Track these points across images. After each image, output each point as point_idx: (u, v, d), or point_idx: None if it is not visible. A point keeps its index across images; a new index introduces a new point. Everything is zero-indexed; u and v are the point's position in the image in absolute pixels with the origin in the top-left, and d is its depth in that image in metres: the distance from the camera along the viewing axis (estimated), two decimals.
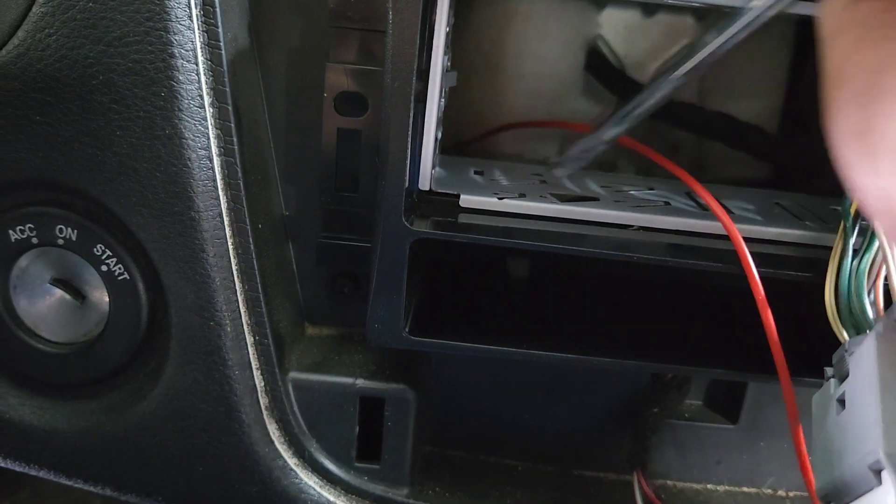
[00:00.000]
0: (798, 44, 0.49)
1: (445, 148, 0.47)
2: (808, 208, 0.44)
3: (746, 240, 0.38)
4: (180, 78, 0.36)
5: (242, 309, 0.40)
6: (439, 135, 0.41)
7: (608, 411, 0.49)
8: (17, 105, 0.37)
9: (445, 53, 0.38)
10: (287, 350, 0.43)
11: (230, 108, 0.37)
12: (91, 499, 0.77)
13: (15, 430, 0.43)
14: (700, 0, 0.40)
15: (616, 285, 0.46)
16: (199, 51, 0.36)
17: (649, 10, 0.50)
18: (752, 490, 0.49)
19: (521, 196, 0.41)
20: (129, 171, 0.37)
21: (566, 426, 0.49)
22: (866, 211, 0.30)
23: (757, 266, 0.37)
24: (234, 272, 0.39)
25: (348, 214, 0.42)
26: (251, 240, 0.39)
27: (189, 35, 0.36)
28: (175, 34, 0.36)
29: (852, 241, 0.36)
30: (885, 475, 0.28)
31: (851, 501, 0.31)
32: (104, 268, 0.40)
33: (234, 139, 0.38)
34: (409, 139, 0.36)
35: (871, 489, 0.29)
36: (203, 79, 0.37)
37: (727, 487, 0.49)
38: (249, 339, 0.41)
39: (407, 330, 0.40)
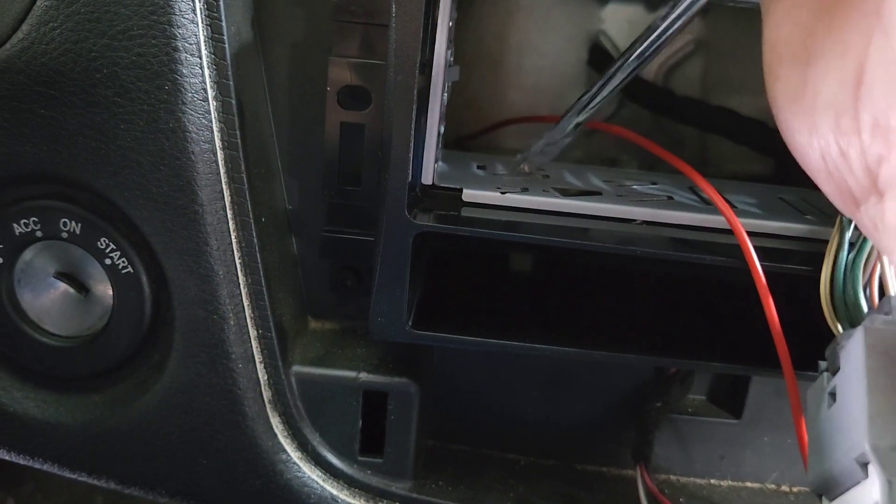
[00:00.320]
0: None
1: (447, 142, 0.47)
2: (810, 202, 0.44)
3: (749, 234, 0.38)
4: (184, 71, 0.36)
5: (246, 302, 0.40)
6: (442, 129, 0.41)
7: (611, 406, 0.49)
8: (22, 99, 0.37)
9: (448, 48, 0.38)
10: (290, 343, 0.43)
11: (233, 101, 0.38)
12: (94, 493, 0.77)
13: (19, 423, 0.43)
14: None
15: (619, 279, 0.46)
16: (202, 44, 0.36)
17: (651, 5, 0.50)
18: (756, 485, 0.49)
19: (524, 190, 0.41)
20: (132, 165, 0.37)
21: (569, 420, 0.49)
22: (811, 175, 0.31)
23: (760, 260, 0.37)
24: (238, 265, 0.40)
25: (351, 208, 0.42)
26: (254, 233, 0.39)
27: (193, 29, 0.36)
28: (179, 28, 0.36)
29: (848, 235, 0.36)
30: (871, 468, 0.29)
31: (840, 495, 0.31)
32: (108, 261, 0.40)
33: (238, 133, 0.38)
34: (412, 133, 0.36)
35: (858, 482, 0.30)
36: (206, 72, 0.37)
37: (730, 482, 0.49)
38: (253, 333, 0.41)
39: (410, 324, 0.40)
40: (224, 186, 0.38)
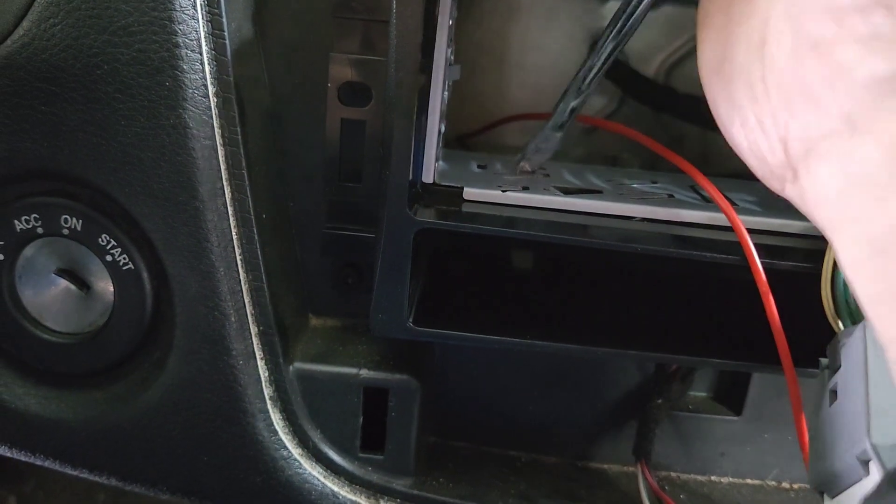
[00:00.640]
0: None
1: (448, 140, 0.47)
2: None
3: (750, 231, 0.38)
4: (184, 67, 0.36)
5: (246, 299, 0.40)
6: (443, 128, 0.41)
7: (612, 403, 0.49)
8: (22, 95, 0.37)
9: (448, 46, 0.38)
10: (291, 340, 0.43)
11: (234, 98, 0.38)
12: (96, 491, 0.77)
13: (20, 419, 0.43)
14: None
15: (620, 277, 0.46)
16: (203, 40, 0.36)
17: (654, 3, 0.50)
18: (756, 482, 0.49)
19: (525, 189, 0.41)
20: (133, 161, 0.37)
21: (570, 417, 0.49)
22: (740, 155, 0.30)
23: (760, 257, 0.37)
24: (238, 262, 0.40)
25: (352, 205, 0.42)
26: (255, 230, 0.39)
27: (193, 25, 0.36)
28: (179, 24, 0.36)
29: None
30: (872, 466, 0.29)
31: (842, 492, 0.31)
32: (109, 258, 0.40)
33: (238, 129, 0.38)
34: (413, 129, 0.36)
35: (859, 479, 0.30)
36: (207, 68, 0.37)
37: (731, 479, 0.49)
38: (253, 330, 0.41)
39: (411, 320, 0.40)
40: (225, 183, 0.38)
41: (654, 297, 0.46)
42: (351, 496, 0.44)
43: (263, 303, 0.40)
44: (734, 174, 0.51)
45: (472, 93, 0.50)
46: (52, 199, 0.39)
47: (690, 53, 0.51)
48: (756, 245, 0.37)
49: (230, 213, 0.39)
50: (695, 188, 0.45)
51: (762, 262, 0.37)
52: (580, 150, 0.53)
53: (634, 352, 0.41)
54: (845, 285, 0.35)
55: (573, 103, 0.40)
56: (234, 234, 0.39)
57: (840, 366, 0.33)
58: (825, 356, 0.35)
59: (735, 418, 0.48)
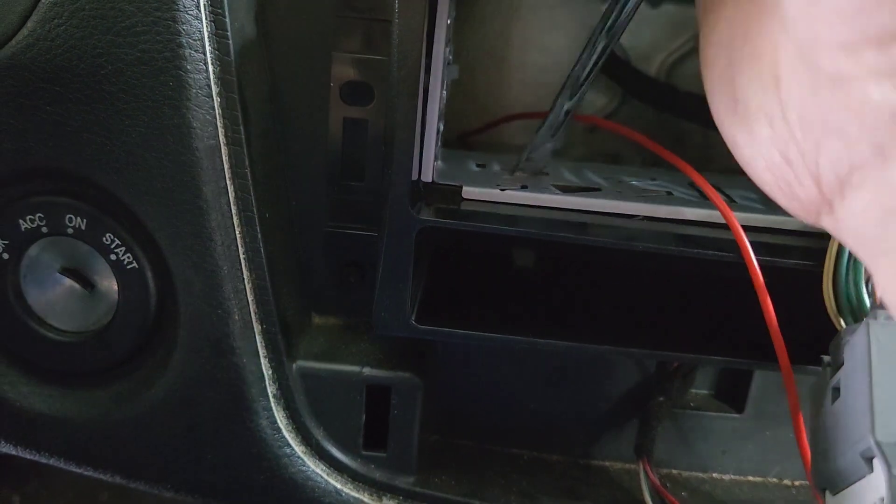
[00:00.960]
0: None
1: (449, 139, 0.47)
2: None
3: (750, 228, 0.38)
4: (188, 67, 0.36)
5: (250, 297, 0.40)
6: (441, 127, 0.41)
7: (614, 400, 0.49)
8: (27, 95, 0.37)
9: (447, 46, 0.39)
10: (294, 339, 0.43)
11: (237, 97, 0.38)
12: (99, 490, 0.77)
13: (25, 418, 0.43)
14: None
15: (621, 274, 0.46)
16: (206, 40, 0.37)
17: (655, 1, 0.50)
18: (758, 479, 0.49)
19: (524, 188, 0.41)
20: (137, 161, 0.38)
21: (572, 415, 0.49)
22: (768, 193, 0.30)
23: (760, 254, 0.37)
24: (242, 261, 0.40)
25: (354, 204, 0.43)
26: (258, 229, 0.40)
27: (197, 25, 0.36)
28: (183, 24, 0.36)
29: None
30: (875, 463, 0.29)
31: (845, 489, 0.31)
32: (113, 257, 0.40)
33: (242, 129, 0.38)
34: (416, 128, 0.37)
35: (863, 477, 0.30)
36: (210, 68, 0.37)
37: (733, 476, 0.49)
38: (257, 328, 0.41)
39: (413, 319, 0.40)
40: (228, 182, 0.39)
41: (655, 295, 0.46)
42: (354, 493, 0.44)
43: (267, 301, 0.41)
44: (736, 171, 0.51)
45: (473, 91, 0.51)
46: (57, 199, 0.40)
47: (691, 52, 0.52)
48: (755, 242, 0.37)
49: (234, 212, 0.39)
50: (693, 185, 0.45)
51: (762, 260, 0.37)
52: (582, 149, 0.53)
53: (636, 349, 0.41)
54: (847, 282, 0.35)
55: (567, 105, 0.40)
56: (237, 232, 0.39)
57: (843, 363, 0.33)
58: (827, 353, 0.35)
59: (736, 416, 0.48)
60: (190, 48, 0.36)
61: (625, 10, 0.35)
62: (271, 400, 0.42)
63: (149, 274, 0.40)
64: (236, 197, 0.39)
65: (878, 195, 0.24)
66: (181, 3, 0.36)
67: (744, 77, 0.28)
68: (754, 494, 0.48)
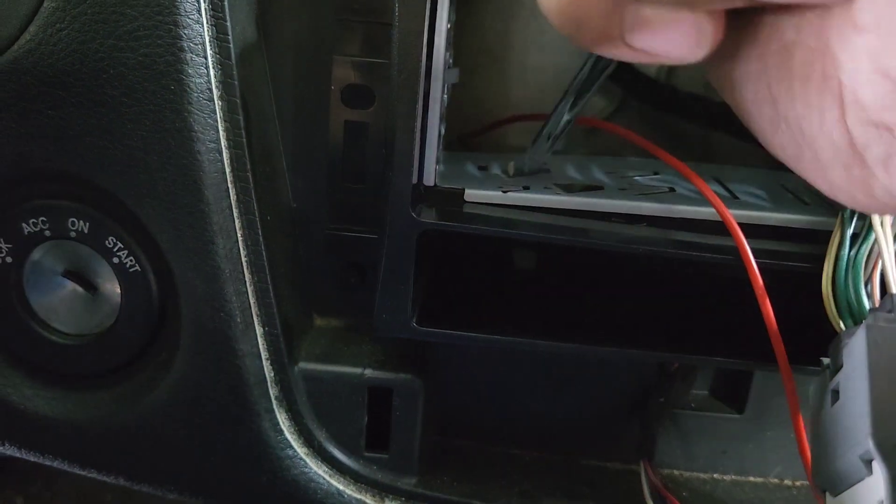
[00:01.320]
0: None
1: (450, 140, 0.47)
2: (813, 190, 0.44)
3: (749, 227, 0.38)
4: (189, 71, 0.37)
5: (252, 300, 0.40)
6: (442, 130, 0.41)
7: (615, 401, 0.49)
8: (29, 99, 0.37)
9: (447, 49, 0.39)
10: (296, 340, 0.43)
11: (238, 101, 0.38)
12: (103, 491, 0.77)
13: (29, 420, 0.43)
14: None
15: (621, 275, 0.46)
16: (207, 44, 0.37)
17: None
18: (759, 480, 0.49)
19: (526, 188, 0.41)
20: (139, 164, 0.38)
21: (573, 416, 0.49)
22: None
23: (759, 256, 0.37)
24: (244, 263, 0.40)
25: (356, 206, 0.43)
26: (260, 232, 0.40)
27: (198, 29, 0.36)
28: (184, 28, 0.36)
29: (850, 230, 0.36)
30: (875, 465, 0.29)
31: (844, 491, 0.31)
32: (116, 260, 0.40)
33: (243, 132, 0.38)
34: (417, 131, 0.37)
35: (862, 479, 0.30)
36: (212, 72, 0.37)
37: (734, 477, 0.49)
38: (259, 330, 0.41)
39: (414, 320, 0.40)
40: (230, 185, 0.39)
41: (655, 296, 0.46)
42: (356, 495, 0.44)
43: (269, 303, 0.41)
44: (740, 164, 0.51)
45: (473, 93, 0.51)
46: (59, 202, 0.40)
47: None
48: (755, 244, 0.37)
49: (235, 214, 0.39)
50: None
51: (762, 262, 0.37)
52: (581, 151, 0.53)
53: (636, 351, 0.41)
54: (847, 285, 0.35)
55: (567, 116, 0.40)
56: (239, 235, 0.40)
57: (842, 365, 0.33)
58: (827, 355, 0.35)
59: (737, 416, 0.48)
60: (191, 52, 0.36)
61: None
62: (273, 402, 0.42)
63: (151, 276, 0.41)
64: (238, 199, 0.39)
65: None
66: (182, 7, 0.36)
67: (805, 132, 0.27)
68: (755, 495, 0.48)
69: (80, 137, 0.37)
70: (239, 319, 0.40)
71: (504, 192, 0.41)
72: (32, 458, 0.45)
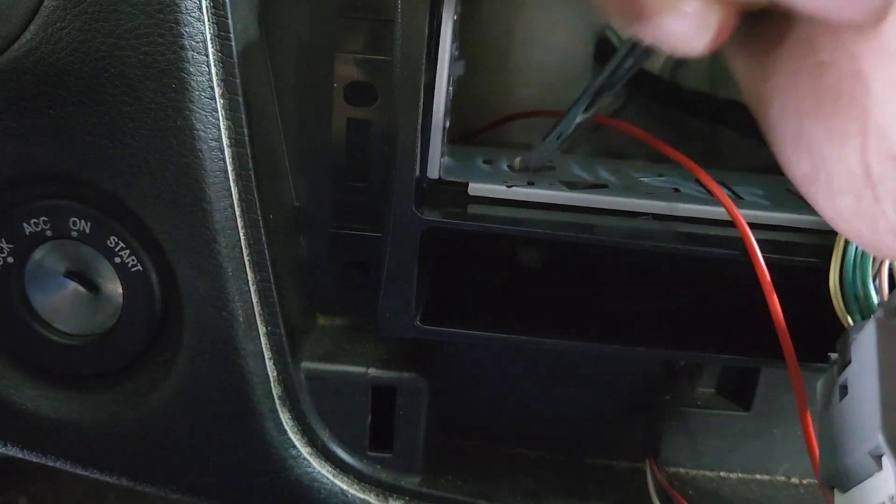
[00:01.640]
0: None
1: (454, 138, 0.47)
2: None
3: (756, 226, 0.38)
4: (191, 69, 0.36)
5: (255, 299, 0.40)
6: (447, 124, 0.41)
7: (620, 400, 0.49)
8: (30, 99, 0.37)
9: (453, 42, 0.38)
10: (299, 340, 0.43)
11: (240, 99, 0.38)
12: (105, 492, 0.77)
13: (31, 421, 0.43)
14: None
15: (627, 273, 0.46)
16: (209, 42, 0.37)
17: None
18: (766, 477, 0.49)
19: (531, 184, 0.41)
20: (141, 163, 0.38)
21: (578, 415, 0.49)
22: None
23: (766, 252, 0.37)
24: (246, 263, 0.40)
25: (359, 204, 0.43)
26: (262, 230, 0.40)
27: (199, 27, 0.36)
28: (185, 26, 0.36)
29: None
30: (885, 460, 0.29)
31: (853, 487, 0.31)
32: (117, 259, 0.40)
33: (245, 130, 0.38)
34: (419, 128, 0.36)
35: (871, 475, 0.29)
36: (213, 70, 0.37)
37: (740, 475, 0.49)
38: (262, 329, 0.41)
39: (418, 319, 0.40)
40: (232, 184, 0.39)
41: (661, 293, 0.46)
42: (360, 495, 0.44)
43: (271, 303, 0.41)
44: (743, 169, 0.51)
45: (477, 90, 0.50)
46: (61, 202, 0.40)
47: None
48: (761, 240, 0.37)
49: (237, 213, 0.39)
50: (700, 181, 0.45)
51: (769, 258, 0.37)
52: (587, 148, 0.53)
53: (642, 348, 0.41)
54: (854, 279, 0.35)
55: (580, 118, 0.39)
56: (241, 234, 0.39)
57: (850, 361, 0.33)
58: (835, 351, 0.35)
59: (744, 414, 0.48)
60: (193, 50, 0.36)
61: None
62: (276, 401, 0.42)
63: (153, 276, 0.40)
64: (240, 198, 0.39)
65: None
66: (183, 5, 0.35)
67: (824, 154, 0.27)
68: (762, 493, 0.48)
69: (80, 137, 0.37)
70: (242, 319, 0.40)
71: (508, 186, 0.40)
72: (34, 459, 0.45)
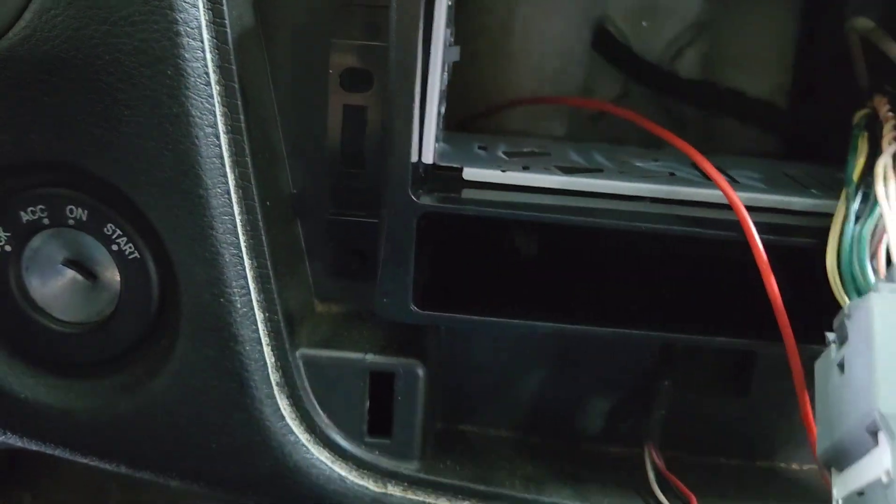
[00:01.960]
0: (805, 14, 0.49)
1: (450, 124, 0.47)
2: (815, 177, 0.44)
3: (752, 208, 0.38)
4: (186, 56, 0.36)
5: (252, 286, 0.40)
6: (442, 109, 0.41)
7: (619, 385, 0.49)
8: (25, 87, 0.37)
9: (448, 27, 0.38)
10: (297, 326, 0.43)
11: (236, 85, 0.38)
12: (109, 484, 0.78)
13: (31, 409, 0.43)
14: None
15: (624, 257, 0.46)
16: (204, 29, 0.37)
17: None
18: (765, 463, 0.49)
19: (525, 169, 0.41)
20: (137, 151, 0.38)
21: (577, 400, 0.49)
22: None
23: (762, 233, 0.37)
24: (243, 249, 0.40)
25: (356, 191, 0.43)
26: (259, 217, 0.40)
27: (194, 13, 0.36)
28: (180, 12, 0.36)
29: (855, 206, 0.36)
30: (881, 436, 0.28)
31: (850, 465, 0.31)
32: (115, 247, 0.40)
33: (241, 117, 0.38)
34: (414, 113, 0.36)
35: (868, 451, 0.29)
36: (209, 57, 0.37)
37: (739, 460, 0.49)
38: (259, 316, 0.41)
39: (415, 304, 0.40)
40: (228, 171, 0.39)
41: (658, 277, 0.46)
42: (358, 480, 0.44)
43: (269, 289, 0.41)
44: (738, 153, 0.51)
45: (473, 77, 0.50)
46: (58, 190, 0.40)
47: (693, 41, 0.51)
48: (757, 222, 0.37)
49: (234, 200, 0.39)
50: (696, 166, 0.45)
51: (765, 239, 0.37)
52: (586, 137, 0.53)
53: (640, 332, 0.41)
54: (851, 258, 0.35)
55: None
56: (238, 221, 0.39)
57: (847, 339, 0.33)
58: (832, 331, 0.35)
59: (742, 399, 0.48)
60: (188, 37, 0.36)
61: None
62: (274, 388, 0.42)
63: (150, 264, 0.41)
64: (237, 185, 0.39)
65: None
66: None
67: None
68: (761, 478, 0.48)
69: (77, 125, 0.37)
70: (239, 305, 0.40)
71: (503, 171, 0.40)
72: (34, 447, 0.45)
